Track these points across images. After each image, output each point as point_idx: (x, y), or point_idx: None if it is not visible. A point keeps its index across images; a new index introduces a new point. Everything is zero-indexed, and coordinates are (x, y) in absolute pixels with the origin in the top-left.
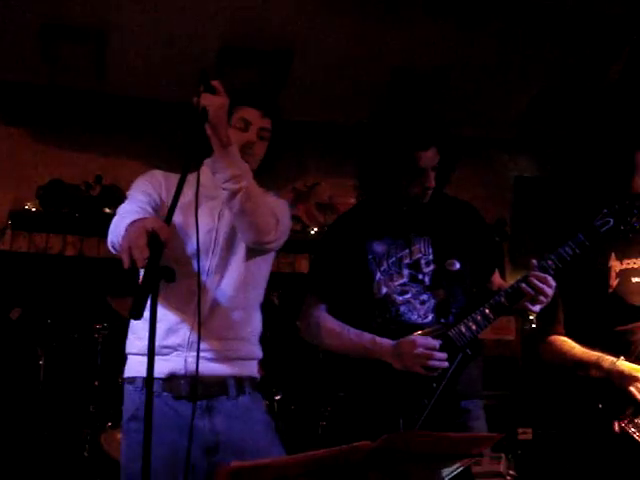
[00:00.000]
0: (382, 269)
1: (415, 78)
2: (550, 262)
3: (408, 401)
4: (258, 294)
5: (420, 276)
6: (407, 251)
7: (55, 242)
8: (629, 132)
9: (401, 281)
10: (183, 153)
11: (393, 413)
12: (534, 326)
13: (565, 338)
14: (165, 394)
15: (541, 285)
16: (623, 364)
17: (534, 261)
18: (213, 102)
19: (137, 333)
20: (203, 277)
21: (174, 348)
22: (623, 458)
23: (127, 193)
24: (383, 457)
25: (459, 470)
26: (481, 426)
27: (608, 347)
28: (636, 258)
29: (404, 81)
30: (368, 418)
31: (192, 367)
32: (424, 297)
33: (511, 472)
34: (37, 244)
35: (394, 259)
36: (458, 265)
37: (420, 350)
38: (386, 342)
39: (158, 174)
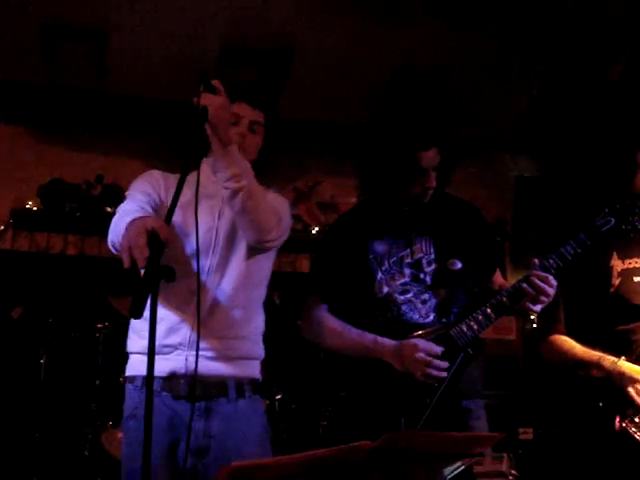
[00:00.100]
0: (383, 269)
1: (415, 78)
2: (551, 261)
3: (409, 400)
4: (260, 293)
5: (421, 275)
6: (408, 250)
7: (56, 241)
8: (630, 132)
9: (402, 280)
10: (182, 153)
11: (394, 412)
12: (535, 326)
13: (566, 337)
14: (164, 394)
15: (542, 285)
16: (624, 365)
17: (536, 260)
18: (213, 102)
19: (138, 332)
20: (203, 276)
21: (175, 347)
22: (624, 458)
23: (126, 193)
24: (384, 457)
25: (460, 469)
26: (482, 426)
27: (609, 347)
28: (638, 257)
29: (404, 81)
30: (369, 418)
31: (193, 366)
32: (425, 296)
33: (513, 472)
34: (38, 243)
35: (395, 258)
36: (459, 265)
37: (421, 355)
38: (388, 342)
39: (157, 174)
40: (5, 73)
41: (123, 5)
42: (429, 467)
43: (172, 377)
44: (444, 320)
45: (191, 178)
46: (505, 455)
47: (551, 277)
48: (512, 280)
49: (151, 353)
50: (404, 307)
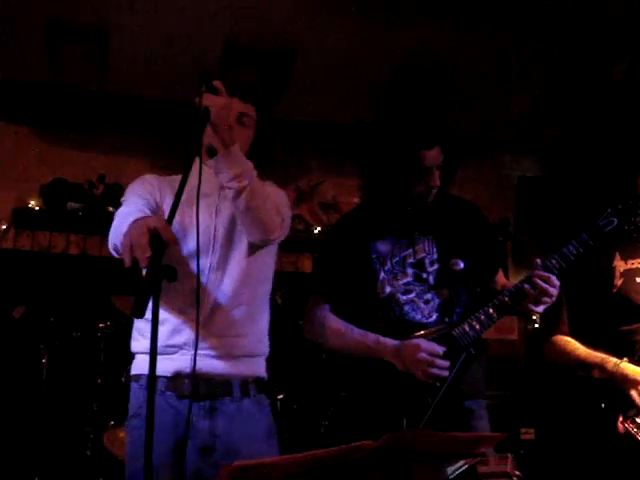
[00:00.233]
0: (386, 268)
1: (417, 78)
2: (554, 262)
3: (412, 400)
4: (264, 289)
5: (424, 275)
6: (411, 250)
7: (58, 241)
8: (633, 132)
9: (405, 280)
10: (185, 153)
11: (396, 412)
12: (537, 326)
13: (569, 338)
14: (169, 393)
15: (545, 285)
16: (627, 367)
17: (538, 260)
18: (215, 102)
19: (143, 333)
20: (204, 276)
21: (179, 347)
22: (626, 458)
23: (122, 199)
24: (386, 456)
25: (463, 469)
26: (484, 426)
27: (612, 347)
28: None
29: (406, 81)
30: (371, 417)
31: (198, 365)
32: (428, 296)
33: (517, 473)
34: (40, 243)
35: (398, 258)
36: (462, 265)
37: (423, 355)
38: (390, 342)
39: (151, 178)
40: (7, 72)
41: (124, 5)
42: (431, 467)
43: (177, 377)
44: (447, 320)
45: (190, 179)
46: (510, 455)
47: (553, 277)
48: (514, 280)
49: (153, 353)
50: (407, 307)
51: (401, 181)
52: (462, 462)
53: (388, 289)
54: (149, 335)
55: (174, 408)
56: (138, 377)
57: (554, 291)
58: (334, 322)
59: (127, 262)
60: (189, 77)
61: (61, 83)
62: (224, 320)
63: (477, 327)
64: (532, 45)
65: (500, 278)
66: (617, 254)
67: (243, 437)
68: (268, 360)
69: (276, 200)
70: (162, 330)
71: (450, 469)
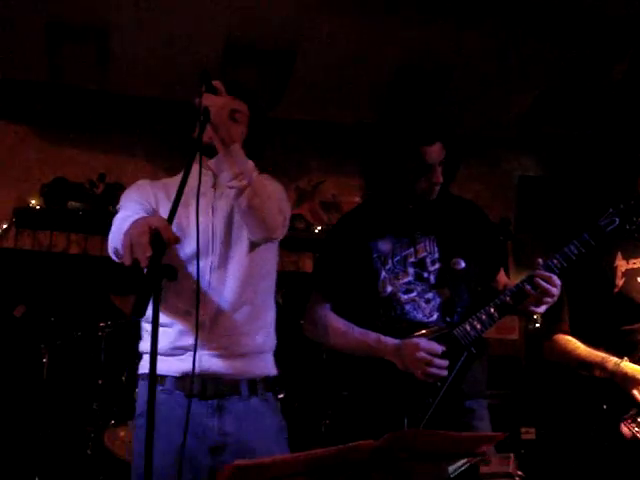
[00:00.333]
0: (387, 268)
1: (417, 78)
2: (555, 261)
3: (412, 400)
4: (268, 285)
5: (425, 275)
6: (412, 250)
7: (59, 240)
8: (634, 131)
9: (406, 279)
10: (184, 153)
11: (397, 412)
12: (538, 326)
13: (570, 337)
14: (177, 392)
15: (546, 285)
16: (627, 366)
17: (539, 260)
18: (215, 102)
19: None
20: (207, 275)
21: (187, 349)
22: (627, 458)
23: (117, 206)
24: (386, 456)
25: (465, 468)
26: (485, 426)
27: (613, 346)
28: None
29: (406, 81)
30: (372, 417)
31: (205, 365)
32: (429, 296)
33: (520, 473)
34: (41, 242)
35: (399, 257)
36: (463, 264)
37: (422, 355)
38: (390, 341)
39: (144, 184)
40: (8, 72)
41: (124, 5)
42: (431, 466)
43: (185, 377)
44: (448, 319)
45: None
46: (512, 455)
47: (555, 276)
48: (515, 280)
49: (153, 354)
50: (408, 306)
51: (403, 179)
52: (463, 462)
53: (389, 288)
54: (158, 336)
55: (182, 407)
56: (146, 376)
57: (555, 291)
58: (335, 321)
59: (127, 261)
60: (189, 77)
61: (61, 82)
62: (229, 319)
63: (478, 327)
64: (532, 45)
65: (501, 277)
66: (619, 254)
67: (254, 435)
68: None
69: (277, 197)
70: (170, 332)
71: (451, 469)
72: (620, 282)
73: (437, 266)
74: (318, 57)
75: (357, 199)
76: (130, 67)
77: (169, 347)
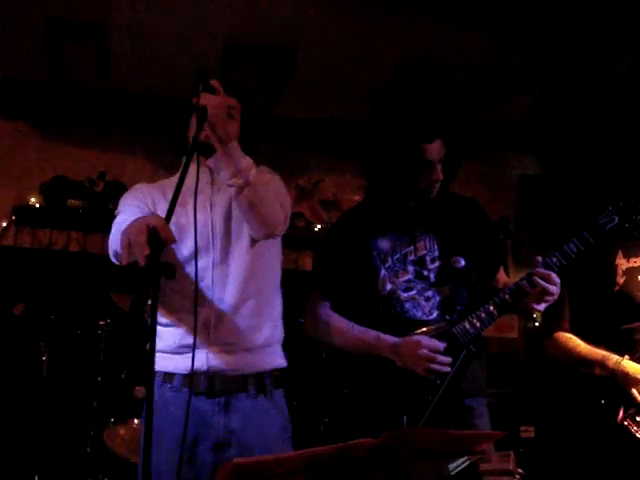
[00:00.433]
0: (387, 265)
1: (417, 77)
2: (554, 259)
3: (412, 398)
4: (272, 278)
5: (425, 273)
6: (412, 247)
7: (59, 238)
8: (634, 130)
9: (406, 277)
10: (181, 153)
11: (397, 410)
12: (537, 324)
13: (570, 335)
14: (185, 390)
15: (545, 284)
16: (628, 364)
17: (539, 258)
18: (212, 101)
19: (160, 334)
20: (209, 272)
21: (195, 345)
22: (625, 456)
23: (116, 212)
24: (385, 454)
25: (464, 466)
26: (484, 424)
27: (613, 345)
28: None
29: (406, 80)
30: (371, 415)
31: (213, 362)
32: (429, 294)
33: (520, 470)
34: (41, 240)
35: (399, 255)
36: (463, 262)
37: (424, 352)
38: (390, 339)
39: (141, 187)
40: (7, 70)
41: (124, 3)
42: (430, 465)
43: (193, 374)
44: (447, 317)
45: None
46: (512, 453)
47: (554, 274)
48: (514, 278)
49: (151, 351)
50: (407, 304)
51: (404, 177)
52: (463, 460)
53: (389, 286)
54: (165, 335)
55: (191, 406)
56: (155, 374)
57: (555, 289)
58: (335, 319)
59: (124, 259)
60: (189, 75)
61: (61, 80)
62: (235, 314)
63: (477, 325)
64: (532, 44)
65: (501, 276)
66: (619, 252)
67: (257, 434)
68: None
69: (277, 192)
70: (177, 332)
71: (451, 466)
72: (621, 280)
73: (437, 264)
74: (318, 55)
75: (357, 198)
76: (130, 65)
77: (176, 345)
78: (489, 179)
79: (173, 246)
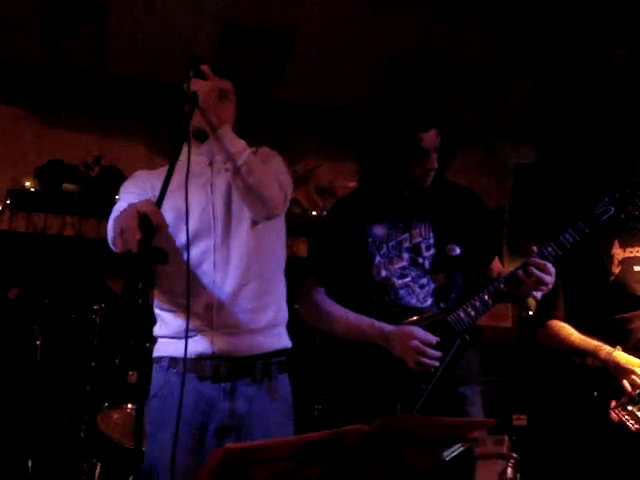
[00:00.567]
0: (382, 252)
1: (415, 65)
2: (550, 249)
3: (405, 386)
4: (275, 259)
5: (420, 260)
6: (407, 235)
7: (54, 222)
8: (632, 120)
9: (401, 264)
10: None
11: (390, 398)
12: (531, 313)
13: (564, 324)
14: (192, 375)
15: (540, 274)
16: (620, 355)
17: (534, 248)
18: (203, 87)
19: (164, 319)
20: (211, 255)
21: (198, 330)
22: (617, 446)
23: (116, 198)
24: (378, 440)
25: (459, 451)
26: (477, 412)
27: (607, 335)
28: (639, 246)
29: (404, 68)
30: (365, 402)
31: (218, 345)
32: (423, 281)
33: (514, 455)
34: (35, 224)
35: (394, 242)
36: (458, 250)
37: (415, 343)
38: (385, 327)
39: (141, 174)
40: (4, 54)
41: None
42: (422, 451)
43: (199, 359)
44: (442, 305)
45: (178, 165)
46: (506, 437)
47: (549, 264)
48: (509, 268)
49: (149, 342)
50: (402, 291)
51: (399, 164)
52: (457, 446)
53: (384, 273)
54: (169, 321)
55: (196, 390)
56: (160, 359)
57: (549, 279)
58: (329, 306)
59: (119, 246)
60: (187, 60)
61: (57, 64)
62: (238, 297)
63: (472, 314)
64: (530, 32)
65: (496, 265)
66: (616, 242)
67: (261, 420)
68: None
69: (276, 171)
70: (181, 315)
71: (447, 451)
72: (616, 270)
73: (432, 252)
74: (316, 42)
75: (353, 184)
76: (128, 49)
77: (181, 329)
78: (485, 168)
79: (171, 230)
